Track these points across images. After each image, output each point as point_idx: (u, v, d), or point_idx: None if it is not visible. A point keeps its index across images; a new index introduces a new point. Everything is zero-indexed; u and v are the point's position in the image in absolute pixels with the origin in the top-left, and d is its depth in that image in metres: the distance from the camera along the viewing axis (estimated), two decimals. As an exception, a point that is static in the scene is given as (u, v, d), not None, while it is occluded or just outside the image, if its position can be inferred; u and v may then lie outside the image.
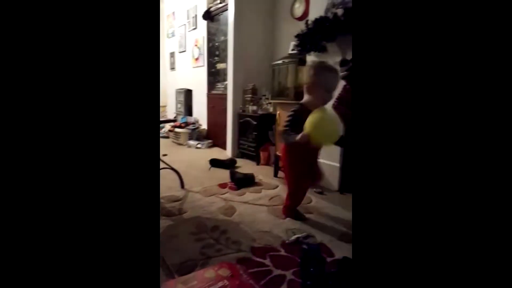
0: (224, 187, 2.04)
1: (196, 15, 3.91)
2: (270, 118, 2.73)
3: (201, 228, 1.42)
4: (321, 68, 1.36)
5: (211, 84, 3.72)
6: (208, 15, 3.50)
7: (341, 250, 1.24)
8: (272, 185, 2.11)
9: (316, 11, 2.00)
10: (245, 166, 2.66)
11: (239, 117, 3.02)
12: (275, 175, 2.32)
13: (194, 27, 4.02)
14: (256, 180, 2.17)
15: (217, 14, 3.38)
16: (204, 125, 3.92)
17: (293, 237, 1.32)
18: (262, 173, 2.41)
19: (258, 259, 1.16)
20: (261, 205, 1.74)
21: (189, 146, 3.64)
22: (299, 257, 1.14)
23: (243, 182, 2.09)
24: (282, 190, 2.00)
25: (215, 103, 3.57)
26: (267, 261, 1.15)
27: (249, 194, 1.92)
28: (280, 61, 2.52)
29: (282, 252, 1.22)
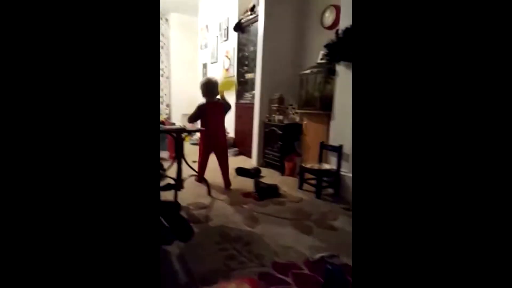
0: (248, 197, 2.03)
1: (227, 27, 4.02)
2: (296, 128, 2.69)
3: (225, 238, 1.42)
4: (203, 84, 2.25)
5: (239, 94, 3.78)
6: (239, 27, 3.58)
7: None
8: (296, 198, 2.06)
9: (347, 20, 1.96)
10: (269, 176, 2.63)
11: (265, 126, 3.02)
12: (300, 187, 2.27)
13: (225, 38, 4.13)
14: (280, 192, 2.14)
15: (248, 25, 3.45)
16: (231, 133, 3.97)
17: (318, 256, 1.27)
18: (287, 184, 2.37)
19: (280, 276, 1.13)
20: (284, 219, 1.70)
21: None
22: (323, 277, 1.09)
23: (267, 192, 2.07)
24: (306, 204, 1.95)
25: (242, 112, 3.62)
26: (289, 279, 1.11)
27: (272, 206, 1.89)
28: (308, 71, 2.49)
29: (305, 271, 1.18)
